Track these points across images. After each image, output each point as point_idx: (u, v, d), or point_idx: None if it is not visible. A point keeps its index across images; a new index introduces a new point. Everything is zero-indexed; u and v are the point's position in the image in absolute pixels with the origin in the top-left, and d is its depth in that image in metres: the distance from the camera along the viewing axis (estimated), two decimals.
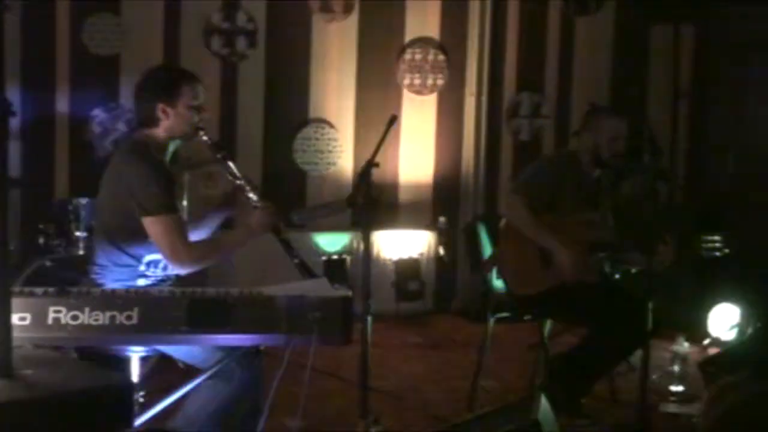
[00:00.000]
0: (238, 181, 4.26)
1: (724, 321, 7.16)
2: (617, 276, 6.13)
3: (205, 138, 4.22)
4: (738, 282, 7.22)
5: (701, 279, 7.29)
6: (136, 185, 3.98)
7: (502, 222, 5.38)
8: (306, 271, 4.13)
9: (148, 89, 4.20)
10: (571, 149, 5.47)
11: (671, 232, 5.08)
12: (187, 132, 4.19)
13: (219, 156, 4.25)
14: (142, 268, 4.12)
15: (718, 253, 5.20)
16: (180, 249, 3.99)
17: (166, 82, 4.19)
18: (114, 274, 4.11)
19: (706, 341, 7.11)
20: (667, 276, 5.19)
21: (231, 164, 4.24)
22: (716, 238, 5.18)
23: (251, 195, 4.23)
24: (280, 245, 4.20)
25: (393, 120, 4.34)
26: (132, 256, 4.10)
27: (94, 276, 4.16)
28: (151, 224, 3.98)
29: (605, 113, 5.56)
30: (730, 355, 6.27)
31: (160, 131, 4.16)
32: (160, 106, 4.12)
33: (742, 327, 7.05)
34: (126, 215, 4.02)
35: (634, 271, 6.07)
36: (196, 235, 4.26)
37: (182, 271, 4.11)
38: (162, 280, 4.19)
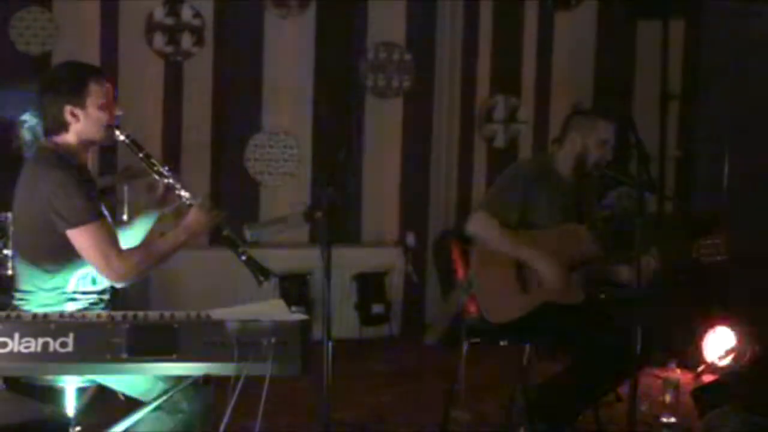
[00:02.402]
0: (166, 180, 4.25)
1: (720, 346, 7.20)
2: (602, 296, 6.16)
3: (122, 137, 4.18)
4: (735, 303, 7.27)
5: (699, 291, 7.34)
6: (54, 196, 3.94)
7: (474, 245, 5.39)
8: (256, 268, 4.14)
9: (52, 91, 4.13)
10: (544, 155, 5.50)
11: (657, 243, 5.10)
12: (101, 134, 4.15)
13: (140, 155, 4.23)
14: (70, 289, 4.09)
15: (718, 257, 5.23)
16: (113, 258, 3.95)
17: (71, 80, 4.13)
18: (40, 299, 4.06)
19: (700, 368, 7.14)
20: (659, 292, 5.22)
21: (155, 162, 4.23)
22: (716, 241, 5.21)
23: (183, 193, 4.23)
24: (224, 243, 4.21)
25: (357, 124, 4.34)
26: (58, 278, 4.07)
27: (17, 303, 4.12)
28: (77, 236, 3.94)
29: (596, 114, 5.58)
30: (726, 384, 6.31)
31: (70, 137, 4.11)
32: (68, 108, 4.07)
33: (739, 352, 7.09)
34: (47, 232, 3.97)
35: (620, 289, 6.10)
36: (126, 242, 4.23)
37: (119, 284, 4.07)
38: (94, 303, 4.16)
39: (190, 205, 4.20)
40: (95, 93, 4.10)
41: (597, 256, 5.40)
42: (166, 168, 4.26)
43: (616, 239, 5.38)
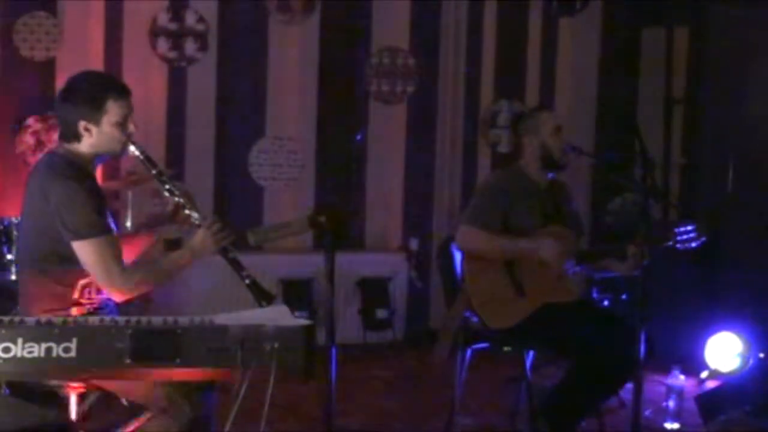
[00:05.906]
0: (176, 198, 4.24)
1: (724, 351, 7.19)
2: (606, 303, 6.17)
3: (136, 152, 4.18)
4: (739, 308, 7.26)
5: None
6: (63, 207, 3.94)
7: (464, 259, 5.42)
8: (259, 292, 4.14)
9: (70, 102, 4.11)
10: (514, 165, 5.57)
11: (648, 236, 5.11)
12: (115, 148, 4.16)
13: (153, 172, 4.22)
14: (75, 295, 4.09)
15: (693, 244, 5.29)
16: (116, 274, 3.95)
17: (89, 96, 4.09)
18: (43, 304, 4.06)
19: (704, 373, 7.14)
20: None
21: (166, 179, 4.23)
22: (689, 228, 5.26)
23: (192, 213, 4.22)
24: (229, 265, 4.21)
25: (359, 137, 4.35)
26: (63, 285, 4.07)
27: (21, 307, 4.12)
28: (81, 248, 3.94)
29: (536, 110, 5.69)
30: (730, 389, 6.30)
31: (83, 147, 4.11)
32: (82, 123, 4.06)
33: (743, 358, 7.08)
34: (53, 240, 3.98)
35: (624, 297, 6.11)
36: (130, 254, 4.23)
37: (119, 299, 4.08)
38: (99, 308, 4.16)
39: (199, 225, 4.20)
40: (112, 111, 4.08)
41: (584, 253, 5.46)
42: (178, 186, 4.26)
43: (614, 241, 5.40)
